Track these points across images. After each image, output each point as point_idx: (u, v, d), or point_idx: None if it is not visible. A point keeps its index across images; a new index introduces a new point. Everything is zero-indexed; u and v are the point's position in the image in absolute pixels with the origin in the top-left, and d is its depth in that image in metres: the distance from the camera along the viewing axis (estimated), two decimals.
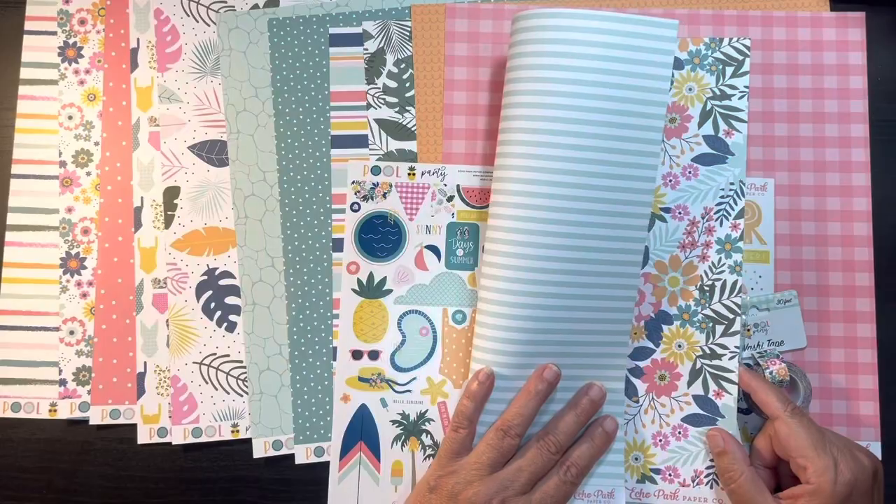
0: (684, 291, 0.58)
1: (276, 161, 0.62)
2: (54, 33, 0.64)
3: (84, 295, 0.61)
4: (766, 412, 0.54)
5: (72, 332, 0.61)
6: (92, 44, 0.64)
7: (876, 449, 0.58)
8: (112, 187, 0.62)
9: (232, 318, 0.61)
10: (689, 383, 0.58)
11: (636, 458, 0.58)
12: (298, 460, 0.59)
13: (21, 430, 0.61)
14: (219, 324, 0.61)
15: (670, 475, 0.57)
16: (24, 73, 0.64)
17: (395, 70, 0.62)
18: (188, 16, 0.63)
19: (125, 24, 0.64)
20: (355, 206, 0.61)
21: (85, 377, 0.61)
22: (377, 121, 0.62)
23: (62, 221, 0.62)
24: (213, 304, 0.61)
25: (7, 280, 0.62)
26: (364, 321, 0.60)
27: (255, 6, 0.63)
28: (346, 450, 0.59)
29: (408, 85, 0.62)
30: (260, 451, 0.59)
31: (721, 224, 0.58)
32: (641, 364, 0.58)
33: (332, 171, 0.62)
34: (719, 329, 0.58)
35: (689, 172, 0.59)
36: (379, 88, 0.62)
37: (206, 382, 0.60)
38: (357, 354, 0.60)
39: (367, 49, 0.63)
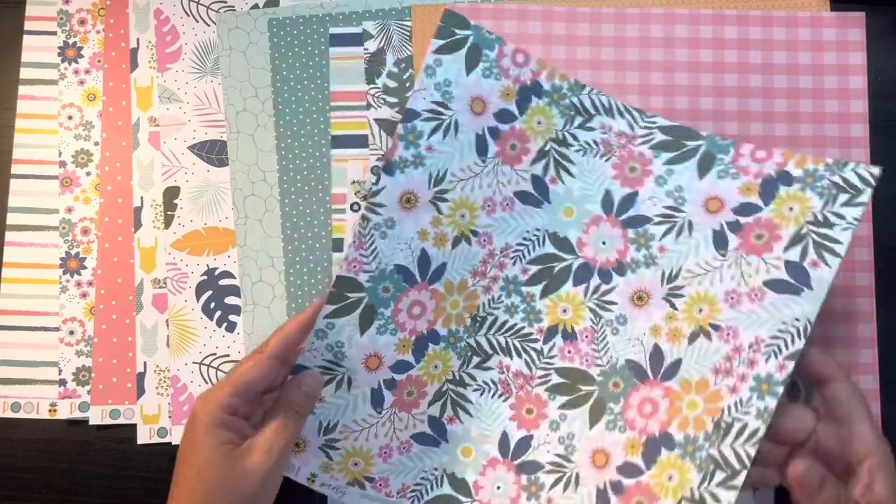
0: (698, 420, 0.52)
1: (276, 161, 0.62)
2: (54, 33, 0.64)
3: (84, 295, 0.61)
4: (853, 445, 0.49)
5: (72, 332, 0.61)
6: (92, 44, 0.64)
7: None
8: (112, 187, 0.62)
9: (232, 318, 0.61)
10: None
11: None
12: None
13: (21, 430, 0.61)
14: (219, 324, 0.61)
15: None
16: (24, 73, 0.64)
17: (395, 70, 0.62)
18: (188, 16, 0.63)
19: (125, 24, 0.64)
20: (355, 206, 0.61)
21: (85, 377, 0.61)
22: (377, 121, 0.62)
23: (62, 221, 0.62)
24: (213, 304, 0.61)
25: (7, 280, 0.62)
26: None
27: (255, 6, 0.63)
28: None
29: (408, 85, 0.62)
30: None
31: (767, 360, 0.50)
32: (625, 481, 0.53)
33: (332, 171, 0.62)
34: (719, 475, 0.49)
35: (756, 295, 0.52)
36: (379, 88, 0.62)
37: (207, 382, 0.60)
38: None
39: (367, 49, 0.63)
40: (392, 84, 0.62)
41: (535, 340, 0.57)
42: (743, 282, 0.53)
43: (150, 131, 0.63)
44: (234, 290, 0.61)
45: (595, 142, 0.58)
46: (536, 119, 0.57)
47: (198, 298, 0.61)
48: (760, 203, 0.54)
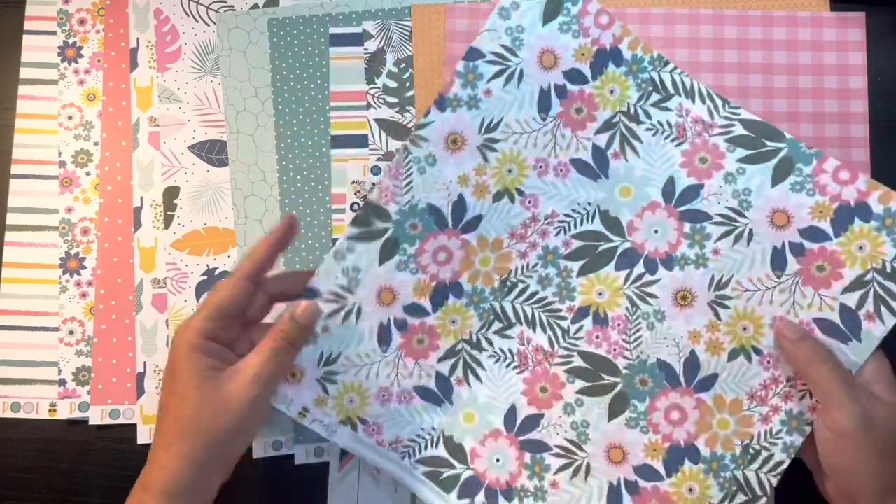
0: (727, 440, 0.52)
1: (276, 161, 0.62)
2: (54, 33, 0.64)
3: (84, 295, 0.61)
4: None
5: (71, 332, 0.61)
6: (92, 44, 0.64)
7: None
8: (112, 187, 0.62)
9: None
10: None
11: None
12: (298, 460, 0.59)
13: (21, 430, 0.61)
14: None
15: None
16: (24, 73, 0.64)
17: (395, 70, 0.62)
18: (188, 16, 0.63)
19: (125, 24, 0.64)
20: (355, 206, 0.61)
21: (84, 377, 0.61)
22: (377, 121, 0.62)
23: (62, 221, 0.62)
24: None
25: (6, 280, 0.62)
26: None
27: (255, 6, 0.63)
28: (346, 450, 0.59)
29: (408, 85, 0.62)
30: (260, 451, 0.59)
31: (801, 398, 0.51)
32: (647, 485, 0.53)
33: (332, 171, 0.62)
34: (740, 497, 0.51)
35: (809, 327, 0.52)
36: (379, 88, 0.62)
37: None
38: None
39: (367, 49, 0.63)
40: (392, 84, 0.62)
41: (564, 318, 0.55)
42: (793, 311, 0.52)
43: (150, 131, 0.63)
44: None
45: (669, 123, 0.55)
46: (609, 87, 0.55)
47: (198, 298, 0.61)
48: (830, 232, 0.52)
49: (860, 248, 0.51)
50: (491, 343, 0.55)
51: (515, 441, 0.55)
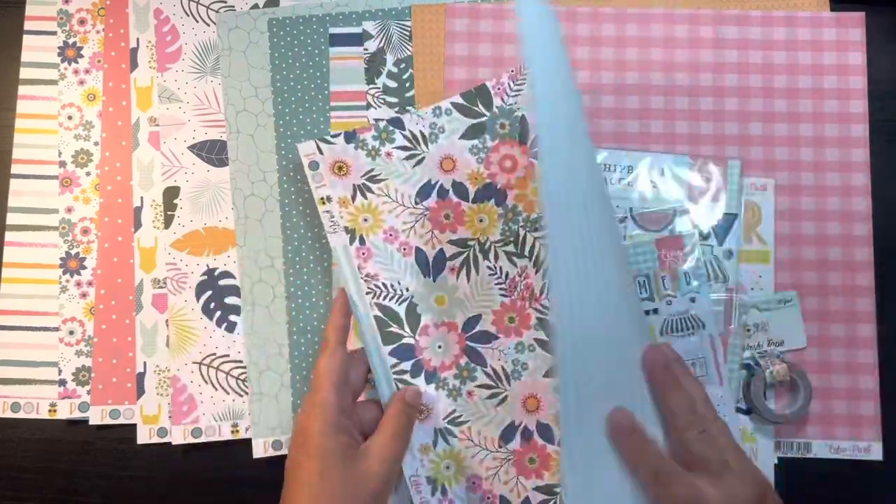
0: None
1: (276, 161, 0.62)
2: (54, 33, 0.64)
3: (84, 295, 0.61)
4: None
5: (71, 332, 0.61)
6: (92, 44, 0.64)
7: (876, 449, 0.58)
8: (112, 187, 0.62)
9: (232, 318, 0.61)
10: None
11: None
12: None
13: (21, 430, 0.61)
14: (219, 324, 0.61)
15: None
16: (24, 73, 0.64)
17: (395, 70, 0.62)
18: (188, 16, 0.63)
19: (125, 24, 0.64)
20: None
21: (84, 377, 0.61)
22: (377, 120, 0.62)
23: (62, 221, 0.62)
24: (212, 304, 0.61)
25: (7, 280, 0.62)
26: None
27: (255, 6, 0.63)
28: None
29: (408, 85, 0.62)
30: (260, 451, 0.59)
31: None
32: (539, 440, 0.57)
33: None
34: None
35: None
36: (379, 88, 0.62)
37: (206, 382, 0.60)
38: None
39: (367, 49, 0.63)
40: (392, 84, 0.62)
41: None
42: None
43: (150, 131, 0.63)
44: (234, 290, 0.61)
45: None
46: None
47: (198, 298, 0.61)
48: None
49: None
50: (497, 257, 0.59)
51: (463, 342, 0.58)
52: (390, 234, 0.59)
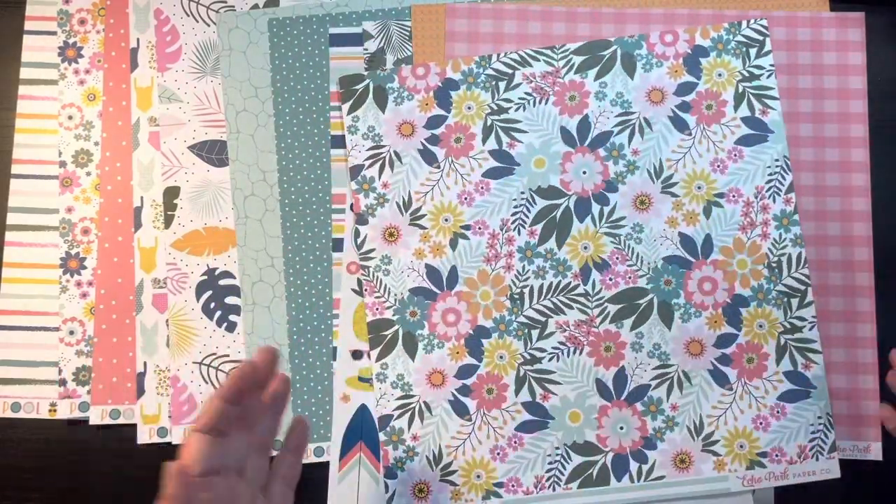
0: (754, 272, 0.59)
1: (276, 161, 0.62)
2: (54, 33, 0.64)
3: (84, 295, 0.61)
4: None
5: (72, 332, 0.61)
6: (92, 44, 0.64)
7: (876, 449, 0.58)
8: (112, 187, 0.62)
9: (232, 318, 0.61)
10: (778, 360, 0.58)
11: (741, 446, 0.57)
12: None
13: (21, 430, 0.61)
14: (219, 324, 0.61)
15: (777, 456, 0.57)
16: (24, 73, 0.64)
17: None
18: (188, 16, 0.63)
19: (125, 24, 0.64)
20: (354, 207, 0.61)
21: (85, 377, 0.61)
22: None
23: (62, 221, 0.62)
24: (213, 304, 0.61)
25: (7, 280, 0.62)
26: (364, 321, 0.60)
27: (255, 6, 0.63)
28: (346, 450, 0.59)
29: None
30: None
31: (774, 200, 0.59)
32: (727, 351, 0.58)
33: (332, 171, 0.62)
34: (794, 302, 0.58)
35: (735, 155, 0.60)
36: None
37: (206, 382, 0.60)
38: (357, 354, 0.60)
39: (367, 49, 0.63)
40: None
41: (576, 287, 0.59)
42: (718, 148, 0.60)
43: (150, 131, 0.63)
44: (234, 290, 0.61)
45: (526, 93, 0.61)
46: (465, 106, 0.60)
47: (198, 298, 0.61)
48: (693, 79, 0.61)
49: (719, 75, 0.61)
50: (542, 350, 0.59)
51: (623, 403, 0.58)
52: (498, 454, 0.58)
